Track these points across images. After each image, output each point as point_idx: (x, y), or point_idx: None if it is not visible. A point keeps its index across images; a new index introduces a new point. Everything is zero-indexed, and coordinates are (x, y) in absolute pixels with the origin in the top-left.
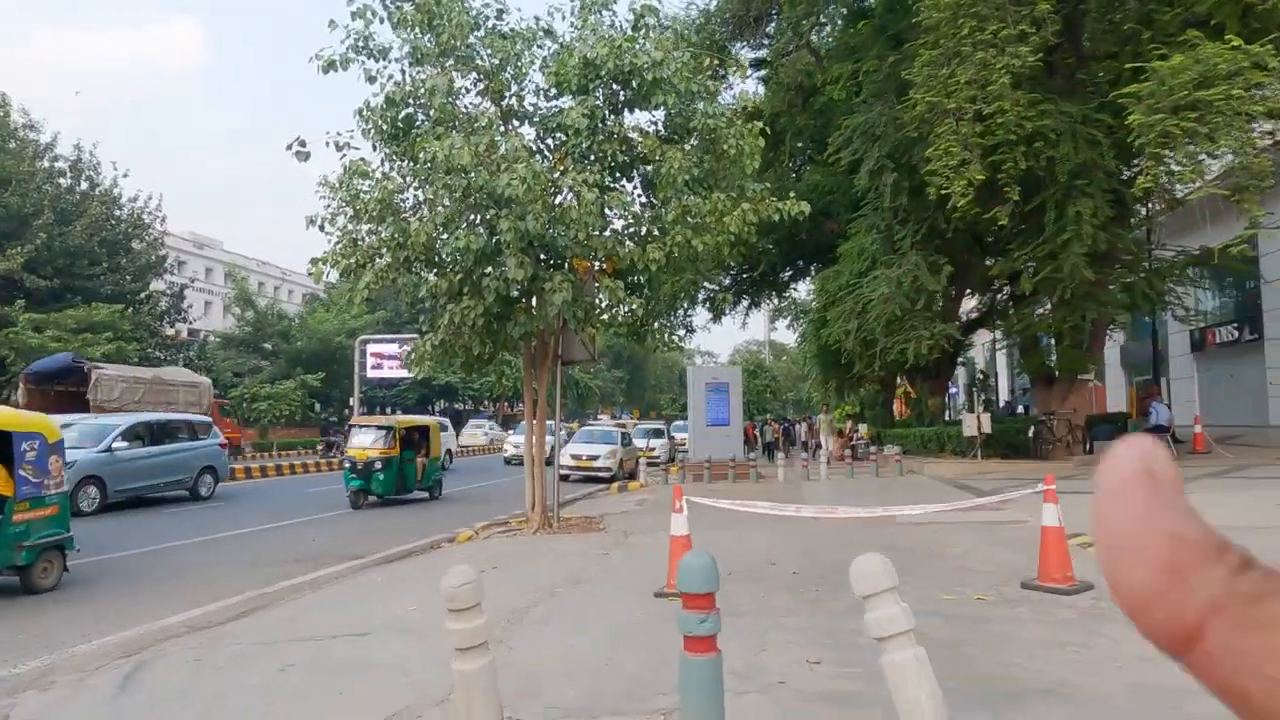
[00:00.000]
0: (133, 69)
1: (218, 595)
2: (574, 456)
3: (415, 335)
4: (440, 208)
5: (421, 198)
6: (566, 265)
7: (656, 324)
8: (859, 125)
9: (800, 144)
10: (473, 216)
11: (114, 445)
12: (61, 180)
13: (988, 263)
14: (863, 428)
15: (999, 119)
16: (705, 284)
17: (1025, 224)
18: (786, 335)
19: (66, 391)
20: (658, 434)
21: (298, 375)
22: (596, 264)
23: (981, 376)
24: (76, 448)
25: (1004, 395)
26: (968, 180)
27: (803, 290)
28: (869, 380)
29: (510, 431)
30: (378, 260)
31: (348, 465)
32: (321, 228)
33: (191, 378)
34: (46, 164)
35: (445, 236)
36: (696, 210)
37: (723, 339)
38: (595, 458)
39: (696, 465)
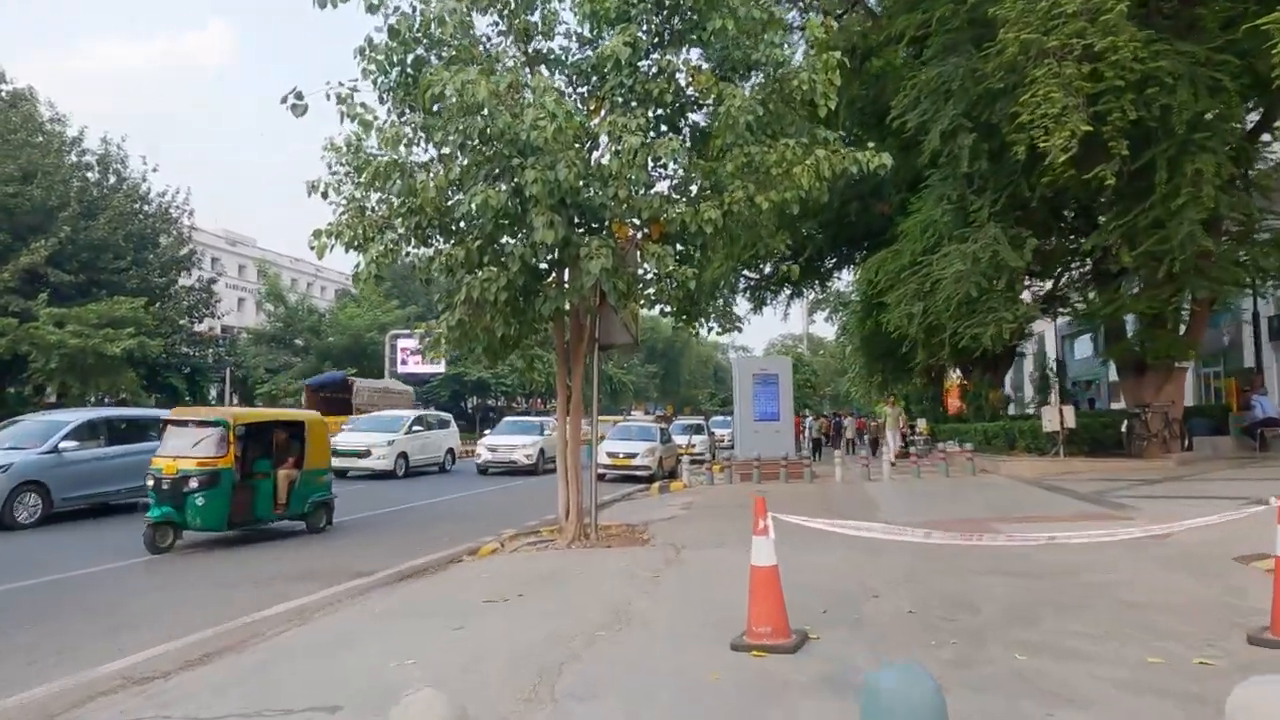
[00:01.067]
0: (168, 71)
1: (181, 627)
2: (610, 454)
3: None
4: (454, 158)
5: (434, 153)
6: (605, 229)
7: (709, 302)
8: (929, 81)
9: (851, 117)
10: (493, 168)
11: (61, 445)
12: (89, 174)
13: (1070, 238)
14: (921, 423)
15: (1110, 57)
16: (746, 273)
17: (1126, 188)
18: (825, 329)
19: (335, 398)
20: (698, 430)
21: (328, 370)
22: (640, 229)
23: (1055, 365)
24: (13, 449)
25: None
26: (1070, 132)
27: (844, 281)
28: (923, 372)
29: (487, 433)
30: (388, 232)
31: (150, 483)
32: (325, 195)
33: (401, 386)
34: (74, 158)
35: (461, 196)
36: (761, 161)
37: (757, 334)
38: (633, 455)
39: (744, 464)
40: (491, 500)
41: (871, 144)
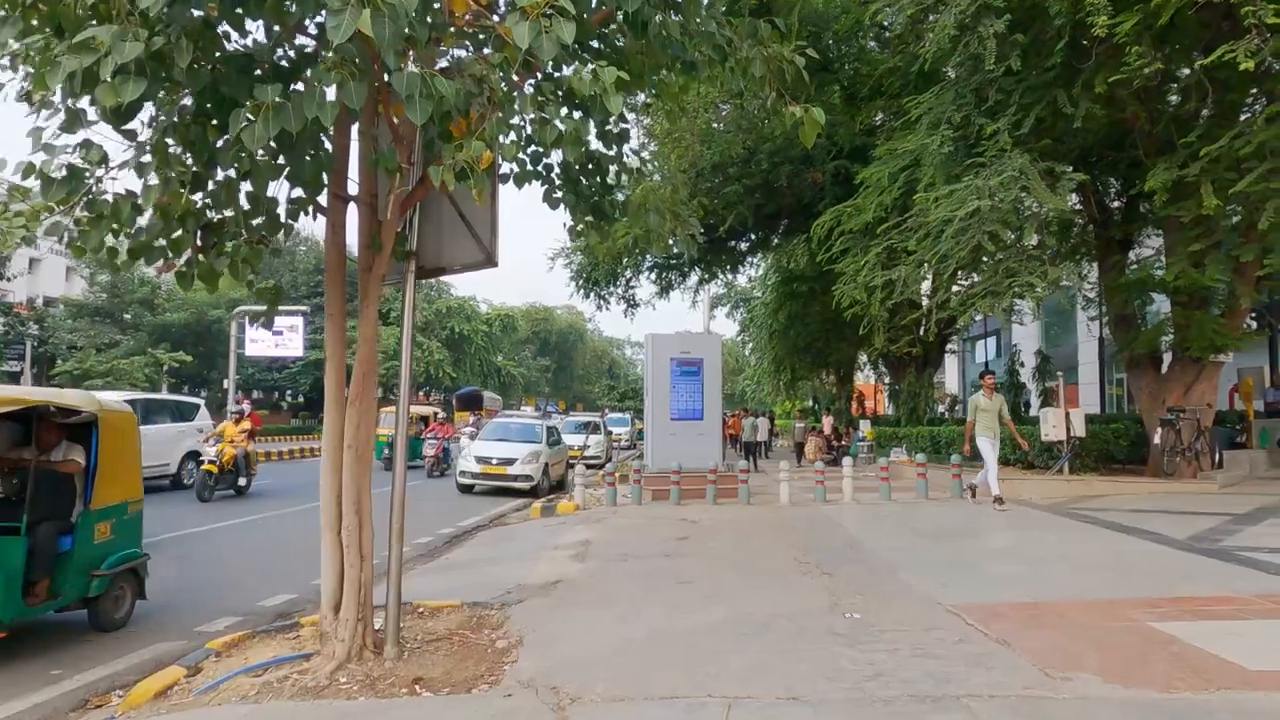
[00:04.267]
0: None
1: None
2: (480, 460)
3: (305, 310)
4: None
5: None
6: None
7: (614, 208)
8: None
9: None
10: None
11: None
12: None
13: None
14: (865, 425)
15: None
16: (651, 253)
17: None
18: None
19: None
20: (593, 428)
21: (163, 351)
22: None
23: (1040, 358)
24: None
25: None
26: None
27: (754, 268)
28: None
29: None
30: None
31: None
32: None
33: None
34: None
35: None
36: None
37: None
38: (510, 462)
39: (659, 477)
40: (250, 540)
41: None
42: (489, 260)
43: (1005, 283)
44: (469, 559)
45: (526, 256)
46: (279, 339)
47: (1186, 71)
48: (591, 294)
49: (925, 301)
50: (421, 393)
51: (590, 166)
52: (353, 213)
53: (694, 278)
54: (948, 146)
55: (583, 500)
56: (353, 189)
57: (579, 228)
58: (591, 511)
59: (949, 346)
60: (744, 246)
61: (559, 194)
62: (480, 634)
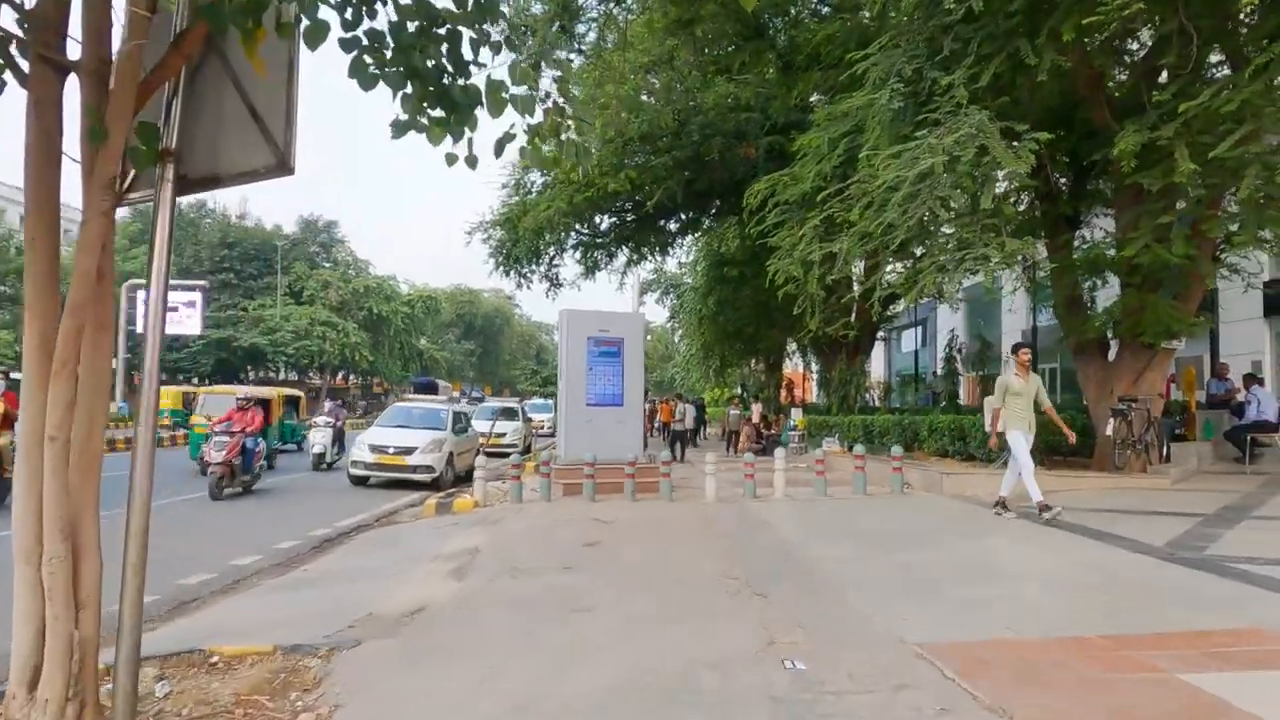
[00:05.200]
0: None
1: None
2: (375, 448)
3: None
4: None
5: None
6: None
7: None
8: None
9: (713, 35)
10: None
11: None
12: None
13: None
14: (797, 414)
15: None
16: (577, 228)
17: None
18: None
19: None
20: (509, 414)
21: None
22: None
23: (981, 342)
24: None
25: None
26: None
27: (674, 263)
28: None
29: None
30: None
31: None
32: None
33: None
34: None
35: None
36: None
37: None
38: (409, 451)
39: (572, 469)
40: None
41: (730, 85)
42: (282, 165)
43: (958, 256)
44: (327, 571)
45: (453, 237)
46: (174, 315)
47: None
48: (512, 272)
49: (860, 283)
50: (340, 376)
51: (435, 31)
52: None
53: (621, 258)
54: (897, 101)
55: (483, 496)
56: (77, 52)
57: (423, 123)
58: (492, 510)
59: (879, 334)
60: (674, 227)
61: (381, 70)
62: (281, 702)
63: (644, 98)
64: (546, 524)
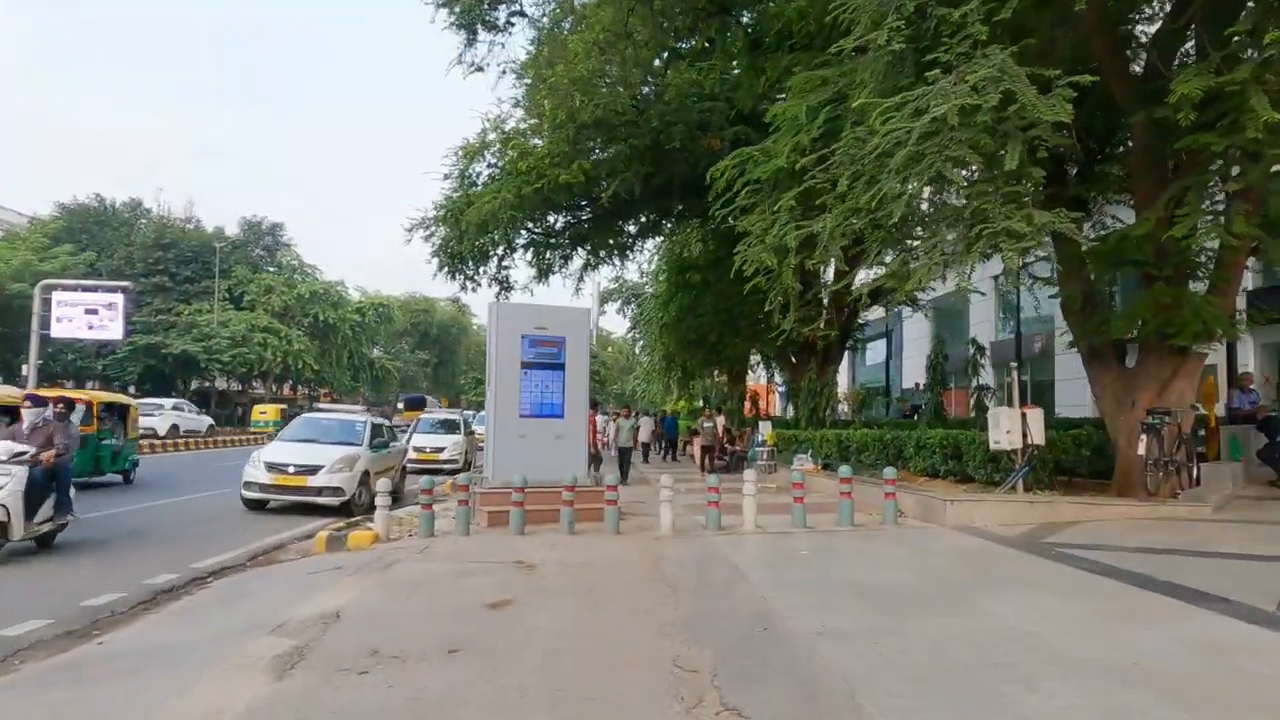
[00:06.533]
0: None
1: None
2: (272, 467)
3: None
4: None
5: None
6: None
7: None
8: None
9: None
10: None
11: None
12: None
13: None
14: (765, 428)
15: None
16: (528, 225)
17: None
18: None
19: None
20: (450, 426)
21: None
22: None
23: (975, 348)
24: None
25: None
26: None
27: (635, 271)
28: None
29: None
30: None
31: None
32: None
33: None
34: None
35: None
36: None
37: None
38: (312, 470)
39: (498, 494)
40: None
41: (692, 72)
42: None
43: (975, 231)
44: (115, 653)
45: (413, 249)
46: (93, 319)
47: None
48: (457, 274)
49: (841, 274)
50: (288, 386)
51: None
52: None
53: (578, 261)
54: (897, 43)
55: (384, 528)
56: None
57: None
58: (394, 545)
59: (849, 341)
60: (633, 229)
61: None
62: None
63: (600, 84)
64: (449, 570)
